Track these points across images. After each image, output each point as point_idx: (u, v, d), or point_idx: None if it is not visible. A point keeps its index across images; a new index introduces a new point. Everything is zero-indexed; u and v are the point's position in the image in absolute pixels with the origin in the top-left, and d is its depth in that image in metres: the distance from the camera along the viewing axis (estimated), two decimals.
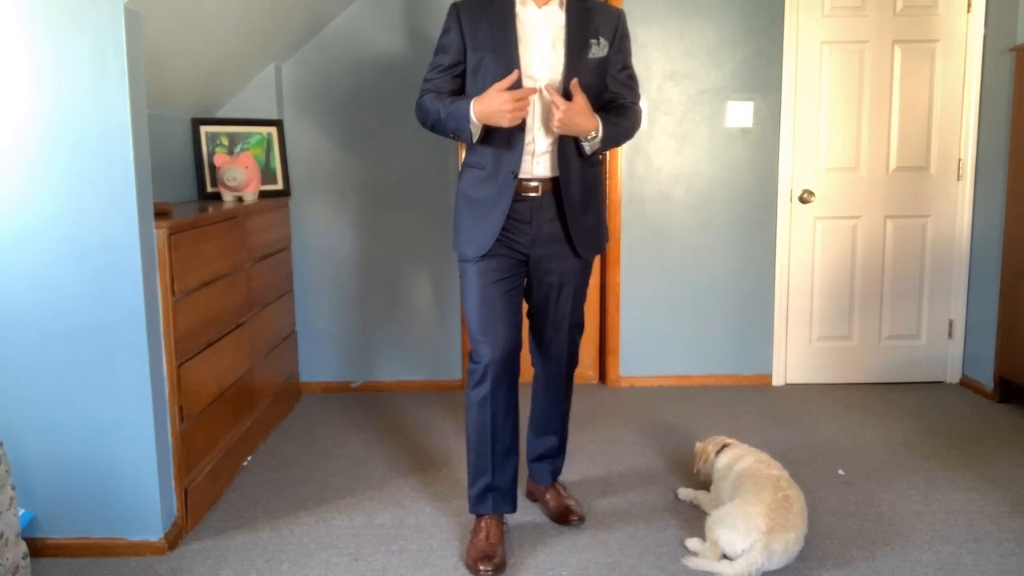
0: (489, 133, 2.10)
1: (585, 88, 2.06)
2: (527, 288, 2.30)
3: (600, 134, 2.06)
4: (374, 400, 3.66)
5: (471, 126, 2.04)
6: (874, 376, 3.83)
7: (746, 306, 3.77)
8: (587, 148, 2.10)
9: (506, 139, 2.09)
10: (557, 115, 1.97)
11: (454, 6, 2.14)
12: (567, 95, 2.06)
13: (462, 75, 2.16)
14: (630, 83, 2.22)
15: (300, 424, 3.35)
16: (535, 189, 2.15)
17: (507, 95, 1.94)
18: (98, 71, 2.07)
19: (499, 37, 2.07)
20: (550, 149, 2.13)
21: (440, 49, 2.16)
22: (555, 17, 2.10)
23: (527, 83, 2.07)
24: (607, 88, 2.18)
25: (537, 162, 2.13)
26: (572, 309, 2.29)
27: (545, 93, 2.07)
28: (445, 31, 2.16)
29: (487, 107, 1.98)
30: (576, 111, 1.99)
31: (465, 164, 2.22)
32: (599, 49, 2.11)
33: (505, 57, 2.06)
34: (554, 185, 2.16)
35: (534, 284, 2.26)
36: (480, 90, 2.06)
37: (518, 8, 2.09)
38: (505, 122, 1.97)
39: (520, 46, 2.07)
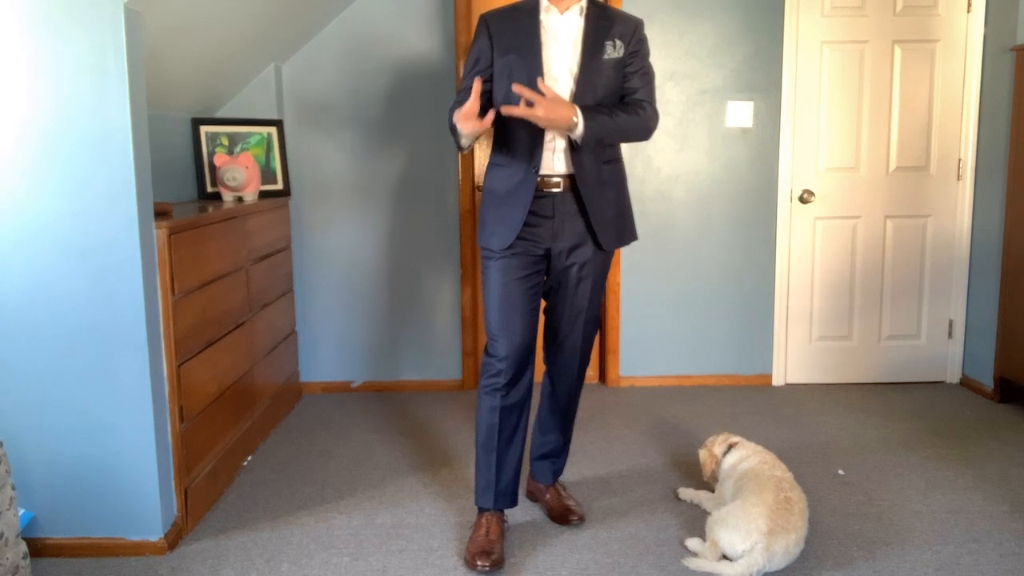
0: (512, 132, 2.19)
1: (601, 87, 2.17)
2: (546, 283, 2.33)
3: (580, 121, 2.07)
4: (374, 400, 3.66)
5: (460, 137, 2.17)
6: (874, 376, 3.83)
7: (746, 306, 3.77)
8: (576, 139, 2.12)
9: (528, 136, 2.17)
10: (540, 112, 2.01)
11: (482, 17, 2.25)
12: (583, 98, 2.14)
13: (492, 79, 2.24)
14: (644, 80, 2.26)
15: (300, 424, 3.35)
16: (557, 184, 2.20)
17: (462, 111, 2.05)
18: (98, 71, 2.07)
19: (525, 41, 2.17)
20: (568, 145, 2.19)
21: (471, 58, 2.25)
22: (575, 22, 2.19)
23: (550, 83, 2.16)
24: (625, 88, 2.24)
25: (557, 158, 2.20)
26: (589, 303, 2.32)
27: (567, 93, 2.16)
28: (475, 41, 2.25)
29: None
30: (553, 101, 2.02)
31: (491, 163, 2.31)
32: (615, 51, 2.18)
33: (529, 58, 2.16)
34: (573, 181, 2.21)
35: (553, 278, 2.31)
36: (506, 90, 2.18)
37: (542, 15, 2.19)
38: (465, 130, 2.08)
39: (544, 49, 2.17)
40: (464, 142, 2.18)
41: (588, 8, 2.19)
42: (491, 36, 2.21)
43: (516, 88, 2.01)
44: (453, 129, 2.18)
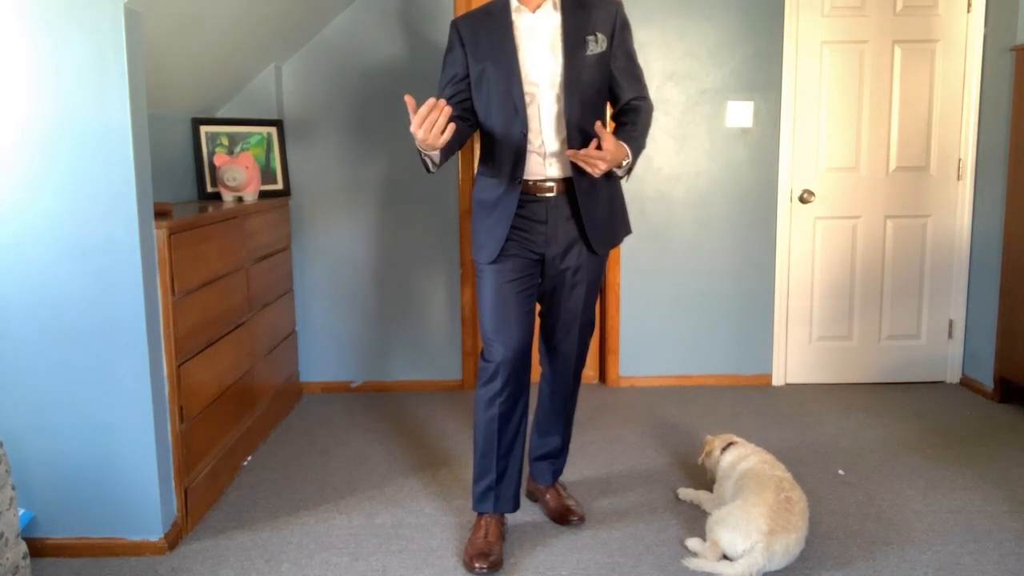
0: (497, 142, 2.15)
1: (587, 85, 2.12)
2: (540, 287, 2.31)
3: (631, 158, 2.09)
4: (374, 400, 3.66)
5: (422, 155, 2.03)
6: (874, 376, 3.83)
7: (746, 306, 3.77)
8: (620, 173, 2.14)
9: (513, 144, 2.12)
10: (603, 167, 1.98)
11: (454, 23, 2.19)
12: (571, 98, 2.10)
13: (469, 88, 2.19)
14: (635, 72, 2.23)
15: (300, 424, 3.35)
16: (550, 189, 2.17)
17: (415, 121, 1.86)
18: (98, 71, 2.07)
19: (498, 46, 2.11)
20: (561, 149, 2.16)
21: (446, 65, 2.20)
22: (551, 20, 2.13)
23: (529, 88, 2.11)
24: (615, 81, 2.20)
25: (549, 163, 2.16)
26: (584, 308, 2.31)
27: (552, 95, 2.11)
28: (448, 49, 2.20)
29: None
30: (615, 154, 2.00)
31: (479, 172, 2.27)
32: (597, 45, 2.13)
33: (505, 65, 2.09)
34: (568, 185, 2.18)
35: (547, 283, 2.29)
36: (484, 100, 2.13)
37: (514, 16, 2.13)
38: (425, 143, 1.89)
39: (519, 52, 2.10)
40: (432, 159, 2.02)
41: (562, 2, 2.13)
42: (464, 43, 2.15)
43: (571, 155, 1.96)
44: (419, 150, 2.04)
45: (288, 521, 2.47)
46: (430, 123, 1.85)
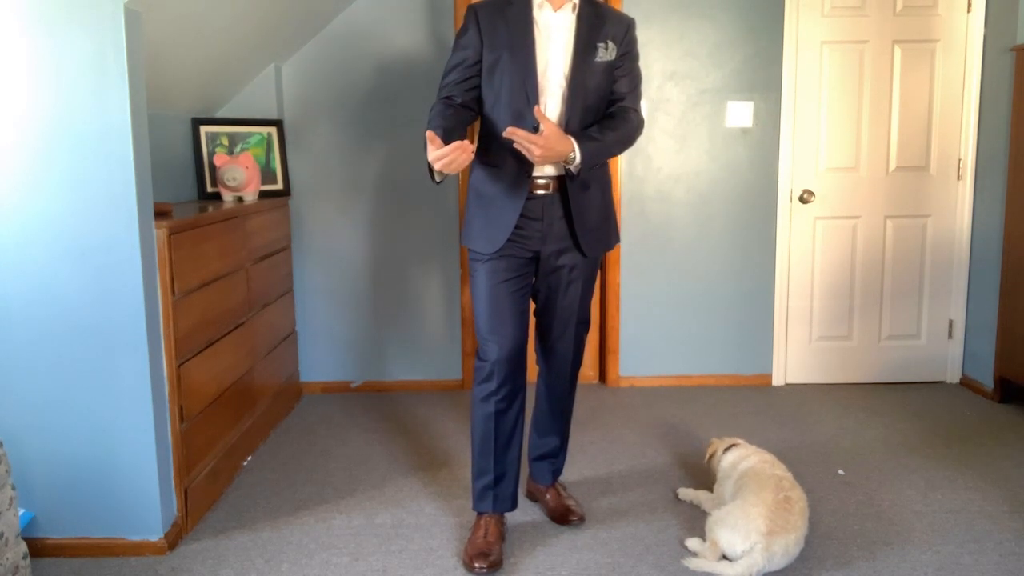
0: (502, 130, 2.10)
1: (592, 90, 2.12)
2: (534, 285, 2.31)
3: (578, 155, 2.04)
4: (374, 400, 3.66)
5: (432, 170, 2.02)
6: (874, 376, 3.83)
7: (746, 306, 3.77)
8: (572, 169, 2.09)
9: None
10: (536, 151, 1.95)
11: (471, 7, 2.18)
12: (574, 101, 2.10)
13: (480, 74, 2.17)
14: (634, 85, 2.23)
15: (300, 424, 3.35)
16: (545, 187, 2.17)
17: (435, 155, 1.90)
18: (98, 71, 2.07)
19: (518, 38, 2.10)
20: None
21: (458, 48, 2.18)
22: (568, 20, 2.13)
23: (542, 82, 2.10)
24: (613, 90, 2.20)
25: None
26: (580, 306, 2.31)
27: (559, 94, 2.12)
28: (463, 31, 2.18)
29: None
30: (550, 140, 1.98)
31: (478, 162, 2.23)
32: (607, 53, 2.14)
33: (522, 57, 2.09)
34: (561, 183, 2.17)
35: (542, 281, 2.28)
36: (496, 89, 2.12)
37: (535, 11, 2.12)
38: (441, 171, 1.95)
39: (537, 48, 2.10)
40: (439, 177, 2.03)
41: (581, 6, 2.13)
42: (480, 29, 2.13)
43: (509, 132, 1.92)
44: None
45: (288, 521, 2.47)
46: (449, 161, 1.88)
